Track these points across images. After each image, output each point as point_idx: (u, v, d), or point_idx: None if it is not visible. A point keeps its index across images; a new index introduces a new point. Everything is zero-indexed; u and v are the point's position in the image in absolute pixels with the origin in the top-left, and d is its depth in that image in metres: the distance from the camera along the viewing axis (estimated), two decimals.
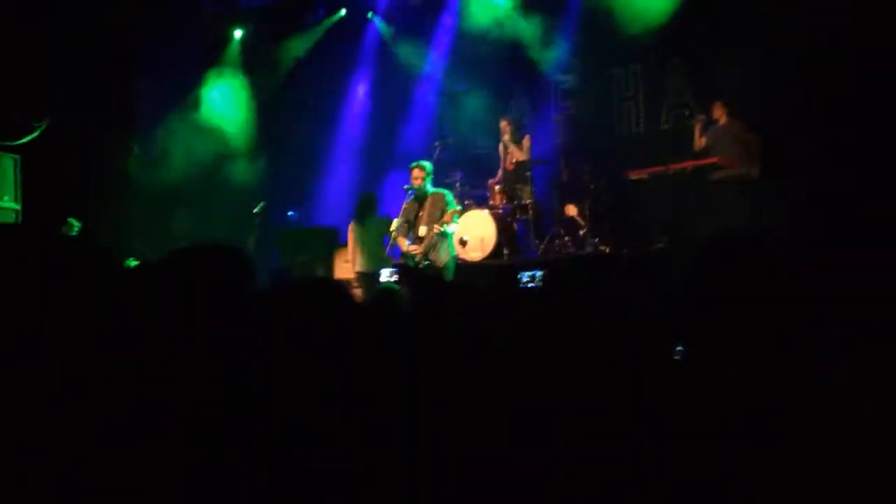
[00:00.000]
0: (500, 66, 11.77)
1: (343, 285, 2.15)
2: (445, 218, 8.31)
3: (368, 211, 9.41)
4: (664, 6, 10.25)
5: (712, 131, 9.41)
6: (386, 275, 8.41)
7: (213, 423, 1.69)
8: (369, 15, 12.70)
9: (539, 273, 5.10)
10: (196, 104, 12.00)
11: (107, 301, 1.81)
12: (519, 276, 5.19)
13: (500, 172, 10.79)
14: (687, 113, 10.25)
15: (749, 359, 2.00)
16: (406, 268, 8.39)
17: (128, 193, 10.92)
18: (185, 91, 11.89)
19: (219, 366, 1.75)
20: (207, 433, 1.66)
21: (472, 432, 1.94)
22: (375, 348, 1.94)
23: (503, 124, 10.78)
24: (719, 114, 9.37)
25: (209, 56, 12.25)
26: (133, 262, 9.29)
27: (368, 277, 9.17)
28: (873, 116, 8.26)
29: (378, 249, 9.19)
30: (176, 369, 1.72)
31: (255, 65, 12.52)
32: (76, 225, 10.17)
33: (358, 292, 9.28)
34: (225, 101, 12.24)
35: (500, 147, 10.84)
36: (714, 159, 9.23)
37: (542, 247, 10.17)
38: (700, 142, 9.50)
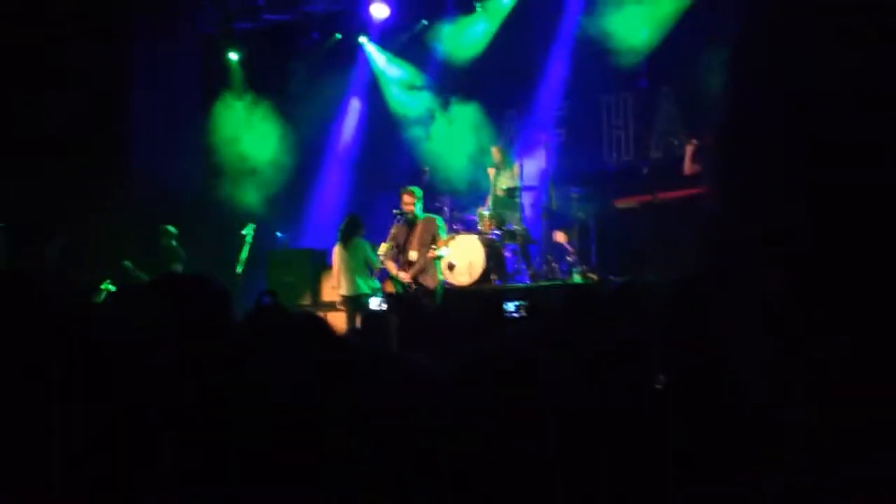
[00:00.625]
0: (491, 91, 11.84)
1: (324, 321, 2.14)
2: (439, 243, 8.32)
3: (353, 233, 9.30)
4: (654, 35, 10.37)
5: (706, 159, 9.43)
6: (375, 303, 8.37)
7: (184, 458, 1.68)
8: (362, 40, 12.74)
9: (522, 303, 5.12)
10: (194, 124, 12.01)
11: (72, 340, 1.80)
12: (504, 305, 5.20)
13: (489, 198, 10.82)
14: (676, 142, 10.30)
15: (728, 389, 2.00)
16: (395, 296, 8.39)
17: (122, 210, 10.90)
18: (182, 111, 11.90)
19: (193, 400, 1.74)
20: (178, 469, 1.65)
21: (455, 468, 1.93)
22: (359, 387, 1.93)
23: (494, 150, 10.84)
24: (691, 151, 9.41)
25: (206, 78, 12.29)
26: (109, 287, 9.31)
27: (352, 301, 9.10)
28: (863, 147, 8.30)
29: (362, 272, 9.14)
30: (147, 404, 1.71)
31: (253, 87, 12.56)
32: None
33: (342, 315, 9.23)
34: (230, 123, 12.30)
35: (491, 172, 10.88)
36: (702, 189, 9.27)
37: (530, 273, 10.19)
38: (692, 167, 9.49)
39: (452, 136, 11.91)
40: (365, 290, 9.04)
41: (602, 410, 2.08)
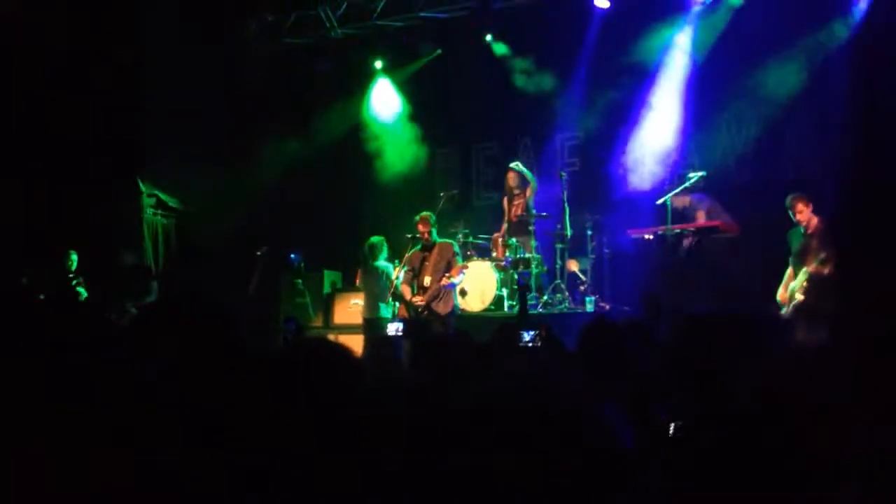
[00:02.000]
0: (507, 119, 11.89)
1: (338, 346, 2.16)
2: (453, 272, 8.33)
3: (375, 256, 9.24)
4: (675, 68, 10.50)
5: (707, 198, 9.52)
6: (392, 329, 8.36)
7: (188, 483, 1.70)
8: (377, 65, 12.82)
9: (537, 332, 5.14)
10: (213, 145, 12.09)
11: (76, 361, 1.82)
12: (521, 334, 5.22)
13: (503, 224, 10.84)
14: (690, 175, 10.33)
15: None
16: (410, 322, 8.39)
17: (137, 230, 10.98)
18: (202, 132, 11.98)
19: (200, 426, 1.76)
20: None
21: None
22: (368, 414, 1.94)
23: (508, 177, 10.88)
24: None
25: (226, 98, 12.38)
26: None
27: (371, 324, 9.07)
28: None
29: (383, 296, 9.12)
30: (151, 429, 1.73)
31: (272, 108, 12.66)
32: (74, 259, 10.23)
33: (353, 338, 9.22)
34: (249, 144, 12.39)
35: (505, 199, 10.92)
36: (716, 223, 9.29)
37: (543, 301, 10.19)
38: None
39: (470, 163, 11.97)
40: (385, 314, 9.02)
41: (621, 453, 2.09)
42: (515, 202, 10.73)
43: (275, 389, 1.92)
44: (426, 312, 8.40)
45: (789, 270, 8.38)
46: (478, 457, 1.98)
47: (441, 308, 8.42)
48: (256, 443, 1.79)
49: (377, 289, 9.05)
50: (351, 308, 10.31)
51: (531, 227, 10.47)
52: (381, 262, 9.16)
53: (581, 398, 2.05)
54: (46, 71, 10.42)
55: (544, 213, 10.76)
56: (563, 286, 10.30)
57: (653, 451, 2.29)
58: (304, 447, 1.82)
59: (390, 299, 9.03)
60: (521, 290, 8.60)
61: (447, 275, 8.32)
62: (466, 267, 8.65)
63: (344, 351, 2.25)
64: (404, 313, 8.75)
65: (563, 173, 10.88)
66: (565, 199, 10.57)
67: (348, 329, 10.33)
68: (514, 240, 10.54)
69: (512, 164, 10.79)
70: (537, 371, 2.39)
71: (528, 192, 10.65)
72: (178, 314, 2.12)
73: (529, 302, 10.28)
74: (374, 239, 9.35)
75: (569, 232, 10.51)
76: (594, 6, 10.93)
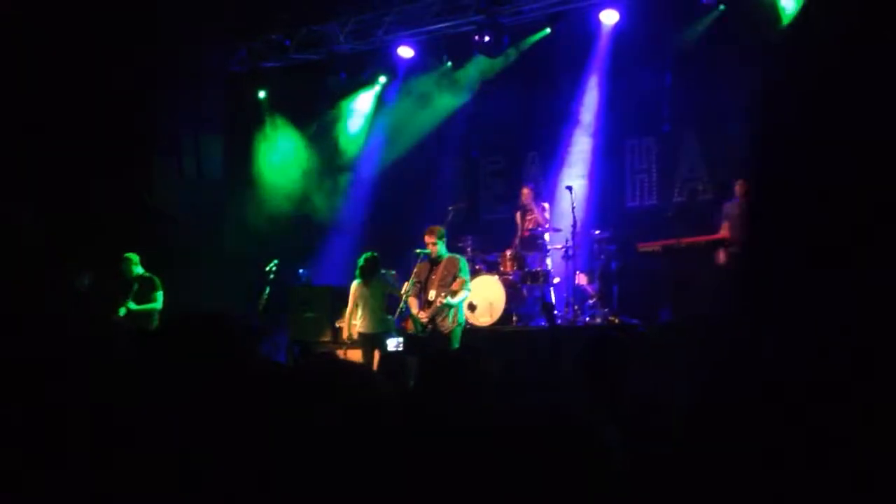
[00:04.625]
0: (515, 133, 11.89)
1: (353, 367, 2.16)
2: (455, 286, 8.29)
3: (374, 271, 9.16)
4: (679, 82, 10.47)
5: (729, 206, 9.39)
6: (392, 344, 8.31)
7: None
8: (379, 80, 12.85)
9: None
10: (219, 161, 12.12)
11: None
12: None
13: (516, 239, 10.84)
14: (700, 187, 10.31)
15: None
16: (413, 337, 8.34)
17: (146, 247, 10.97)
18: (207, 148, 12.01)
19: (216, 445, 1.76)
20: None
21: None
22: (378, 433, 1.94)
23: (523, 192, 10.89)
24: (741, 191, 9.31)
25: (232, 116, 12.42)
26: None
27: (371, 339, 9.02)
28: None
29: (381, 311, 9.07)
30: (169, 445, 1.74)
31: (279, 124, 12.70)
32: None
33: (357, 352, 9.16)
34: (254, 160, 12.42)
35: (518, 214, 10.92)
36: (726, 235, 9.24)
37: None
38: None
39: (478, 177, 11.95)
40: (383, 328, 8.98)
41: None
42: (528, 217, 10.76)
43: (283, 404, 1.92)
44: (431, 327, 8.34)
45: None
46: (480, 474, 1.98)
47: (445, 323, 8.36)
48: (265, 455, 1.79)
49: (375, 303, 8.98)
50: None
51: (541, 241, 10.50)
52: (380, 276, 9.10)
53: (583, 421, 2.04)
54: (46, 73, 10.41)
55: (554, 227, 10.75)
56: (571, 300, 10.27)
57: (647, 472, 2.28)
58: (311, 461, 1.82)
59: (385, 313, 8.98)
60: (546, 308, 8.59)
61: (444, 294, 8.28)
62: (467, 281, 8.59)
63: (352, 368, 2.24)
64: (410, 327, 8.70)
65: (571, 187, 10.88)
66: (573, 212, 10.55)
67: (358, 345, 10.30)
68: (523, 253, 10.56)
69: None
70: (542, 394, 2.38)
71: (539, 211, 10.67)
72: (191, 329, 2.12)
73: (537, 315, 10.27)
74: (373, 254, 9.18)
75: (576, 246, 10.50)
76: (601, 19, 10.91)
